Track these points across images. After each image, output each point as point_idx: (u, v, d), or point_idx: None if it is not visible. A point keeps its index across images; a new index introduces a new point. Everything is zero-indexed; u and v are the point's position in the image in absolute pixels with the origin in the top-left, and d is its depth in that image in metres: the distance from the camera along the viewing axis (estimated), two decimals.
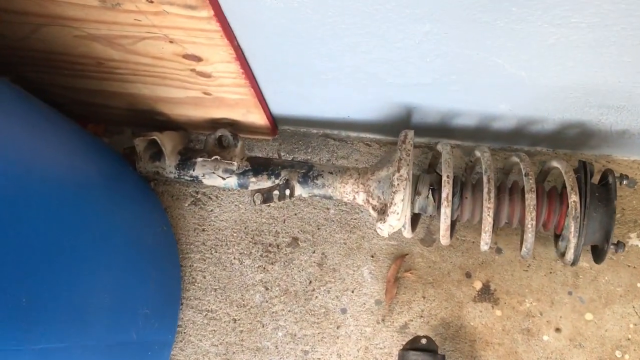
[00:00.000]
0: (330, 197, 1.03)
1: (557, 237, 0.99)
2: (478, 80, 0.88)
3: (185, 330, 1.09)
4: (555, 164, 0.96)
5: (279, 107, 1.09)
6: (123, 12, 0.79)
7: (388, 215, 0.93)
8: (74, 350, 0.72)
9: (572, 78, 0.83)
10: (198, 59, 0.89)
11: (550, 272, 1.04)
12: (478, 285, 1.06)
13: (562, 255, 0.96)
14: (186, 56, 0.88)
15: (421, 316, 1.05)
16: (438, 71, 0.87)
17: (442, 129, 1.07)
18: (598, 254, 0.96)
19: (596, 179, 0.98)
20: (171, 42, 0.85)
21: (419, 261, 1.08)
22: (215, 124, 1.12)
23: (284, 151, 1.17)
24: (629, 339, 1.00)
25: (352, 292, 1.08)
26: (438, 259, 1.08)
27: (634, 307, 1.01)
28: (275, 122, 1.15)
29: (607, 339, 1.01)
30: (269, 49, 0.88)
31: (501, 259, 1.06)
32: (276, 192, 1.03)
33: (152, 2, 0.75)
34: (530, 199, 0.91)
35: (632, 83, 0.82)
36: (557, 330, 1.02)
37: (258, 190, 1.05)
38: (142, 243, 1.00)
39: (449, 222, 0.94)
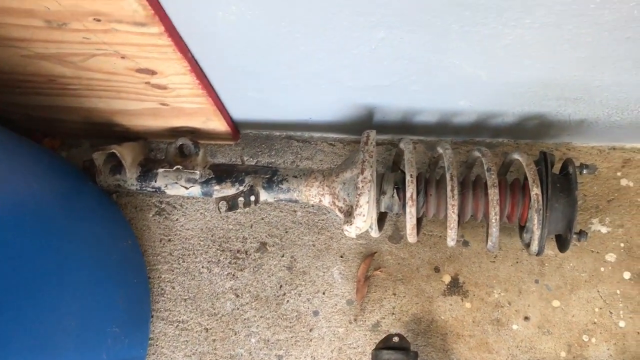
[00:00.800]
0: (296, 201, 1.03)
1: (522, 228, 1.00)
2: (437, 80, 0.88)
3: (157, 343, 1.08)
4: (516, 156, 0.97)
5: (239, 113, 1.08)
6: (71, 32, 0.76)
7: (354, 218, 0.93)
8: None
9: (529, 75, 0.84)
10: (152, 72, 0.87)
11: (517, 262, 1.06)
12: (447, 279, 1.07)
13: (528, 246, 0.98)
14: (140, 70, 0.86)
15: (393, 313, 1.06)
16: (397, 74, 0.86)
17: (405, 126, 1.07)
18: (562, 243, 0.98)
19: (557, 167, 0.99)
20: (123, 57, 0.83)
21: (388, 258, 1.08)
22: (175, 132, 1.10)
23: (248, 155, 1.15)
24: (595, 323, 1.03)
25: (323, 293, 1.08)
26: (407, 255, 1.08)
27: (598, 291, 1.04)
28: (237, 127, 1.14)
29: (574, 324, 1.03)
30: (225, 59, 0.86)
31: (468, 252, 1.07)
32: (241, 199, 1.02)
33: (99, 20, 0.73)
34: (493, 194, 0.91)
35: (588, 77, 0.83)
36: (526, 318, 1.04)
37: (222, 198, 1.04)
38: (107, 259, 0.98)
39: (414, 221, 0.94)
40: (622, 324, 1.02)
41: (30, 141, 1.00)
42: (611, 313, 1.03)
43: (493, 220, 0.92)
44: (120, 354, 0.96)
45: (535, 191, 0.91)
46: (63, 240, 0.87)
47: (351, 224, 0.94)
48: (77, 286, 0.84)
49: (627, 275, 1.04)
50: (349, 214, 0.96)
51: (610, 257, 1.05)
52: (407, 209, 0.93)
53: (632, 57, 0.76)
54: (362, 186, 0.92)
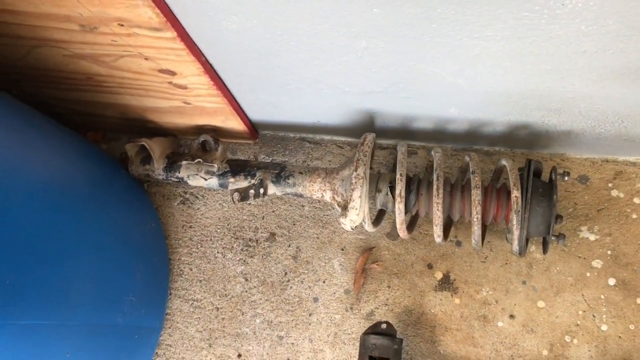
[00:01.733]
0: (301, 195, 1.13)
1: (508, 230, 1.07)
2: (424, 87, 0.96)
3: (173, 318, 1.20)
4: (503, 162, 1.03)
5: (256, 114, 1.20)
6: (101, 34, 0.90)
7: (349, 211, 1.03)
8: (57, 328, 0.83)
9: (505, 85, 0.91)
10: (172, 73, 1.00)
11: (506, 263, 1.12)
12: (439, 275, 1.14)
13: (512, 246, 1.04)
14: (162, 71, 0.99)
15: (386, 304, 1.14)
16: (386, 80, 0.96)
17: (405, 132, 1.15)
18: (544, 245, 1.04)
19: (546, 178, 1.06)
20: (146, 59, 0.96)
21: (385, 254, 1.17)
22: (199, 130, 1.23)
23: (264, 154, 1.27)
24: (577, 325, 1.07)
25: (324, 282, 1.17)
26: (402, 251, 1.16)
27: (583, 295, 1.08)
28: (255, 127, 1.26)
29: (558, 324, 1.08)
30: (234, 64, 0.98)
31: (460, 251, 1.14)
32: (252, 191, 1.13)
33: (123, 25, 0.86)
34: (475, 194, 0.99)
35: (559, 88, 0.90)
36: (511, 316, 1.10)
37: (236, 190, 1.16)
38: (130, 237, 1.12)
39: (402, 216, 1.02)
40: (604, 327, 1.06)
41: (75, 133, 1.15)
42: (594, 316, 1.07)
43: (475, 219, 0.99)
44: (137, 321, 1.08)
45: (515, 193, 0.98)
46: (88, 217, 1.00)
47: (346, 217, 1.03)
48: (97, 255, 0.98)
49: (612, 281, 1.08)
50: (344, 207, 1.05)
51: (597, 263, 1.09)
52: (396, 205, 1.02)
53: (594, 70, 0.83)
54: (355, 182, 1.01)
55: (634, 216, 1.10)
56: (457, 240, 1.15)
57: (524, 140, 1.12)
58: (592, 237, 1.11)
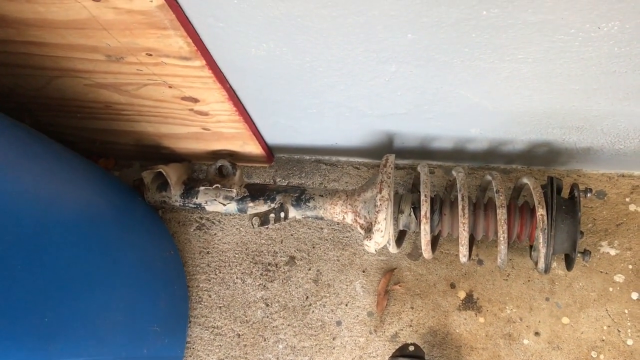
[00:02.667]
0: (321, 218, 1.13)
1: (532, 247, 1.07)
2: (448, 109, 0.97)
3: (194, 346, 1.18)
4: (525, 180, 1.04)
5: (273, 138, 1.19)
6: (127, 64, 0.89)
7: (373, 233, 1.02)
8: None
9: (530, 105, 0.92)
10: (195, 100, 0.99)
11: (529, 281, 1.13)
12: (462, 294, 1.14)
13: (536, 264, 1.04)
14: (185, 98, 0.99)
15: (410, 325, 1.14)
16: (411, 103, 0.96)
17: (423, 152, 1.16)
18: (568, 262, 1.05)
19: (567, 193, 1.07)
20: (170, 87, 0.95)
21: (407, 274, 1.17)
22: (215, 154, 1.22)
23: (280, 177, 1.26)
24: (603, 340, 1.08)
25: (346, 305, 1.17)
26: (424, 271, 1.16)
27: (607, 310, 1.09)
28: (271, 151, 1.25)
29: (583, 340, 1.08)
30: (258, 89, 0.98)
31: (482, 270, 1.15)
32: (272, 215, 1.13)
33: (151, 55, 0.85)
34: (501, 213, 0.99)
35: (585, 107, 0.91)
36: (537, 334, 1.10)
37: (256, 214, 1.15)
38: (152, 266, 1.10)
39: (428, 237, 1.03)
40: (630, 342, 1.07)
41: (89, 161, 1.14)
42: (619, 331, 1.08)
43: (501, 238, 1.00)
44: (160, 351, 1.06)
45: (540, 212, 0.98)
46: (114, 247, 0.99)
47: (370, 239, 1.03)
48: (125, 287, 0.96)
49: (635, 295, 1.09)
50: (368, 230, 1.05)
51: (619, 277, 1.10)
52: (422, 226, 1.02)
53: (621, 89, 0.84)
54: (380, 204, 1.01)
55: None
56: (478, 258, 1.15)
57: (542, 158, 1.13)
58: (613, 252, 1.12)
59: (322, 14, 0.74)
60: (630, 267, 1.10)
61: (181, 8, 0.75)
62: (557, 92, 0.88)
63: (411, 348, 1.07)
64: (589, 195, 1.02)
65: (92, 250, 0.89)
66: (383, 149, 1.15)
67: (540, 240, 0.98)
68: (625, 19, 0.68)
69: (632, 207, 1.13)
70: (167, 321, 1.10)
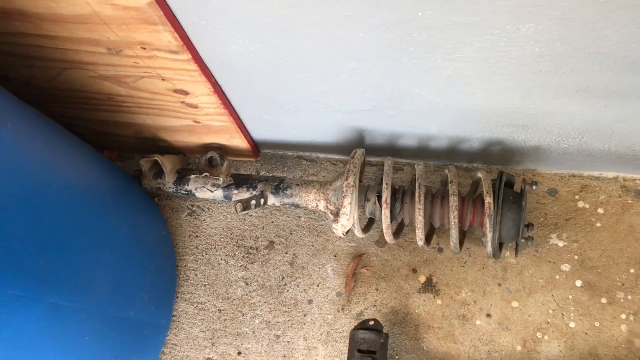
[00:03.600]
0: (297, 205, 1.25)
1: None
2: (406, 106, 1.10)
3: (179, 319, 1.30)
4: (479, 174, 1.16)
5: (258, 133, 1.33)
6: (125, 57, 1.03)
7: (340, 217, 1.15)
8: (79, 312, 0.94)
9: (477, 102, 1.05)
10: (185, 93, 1.13)
11: (483, 268, 1.24)
12: (422, 279, 1.25)
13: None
14: (176, 91, 1.13)
15: (374, 305, 1.25)
16: (372, 99, 1.09)
17: (391, 149, 1.28)
18: (516, 248, 1.16)
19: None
20: (163, 79, 1.09)
21: (374, 259, 1.28)
22: (207, 147, 1.35)
23: (265, 170, 1.39)
24: (548, 323, 1.18)
25: (318, 286, 1.28)
26: (390, 257, 1.28)
27: (552, 295, 1.19)
28: (257, 146, 1.39)
29: (530, 322, 1.19)
30: (240, 84, 1.11)
31: (442, 257, 1.26)
32: (253, 202, 1.25)
33: (145, 49, 0.99)
34: (453, 200, 1.11)
35: (524, 105, 1.03)
36: (488, 315, 1.20)
37: (239, 200, 1.27)
38: (143, 241, 1.23)
39: (389, 221, 1.14)
40: (572, 324, 1.17)
41: (96, 151, 1.28)
42: (563, 315, 1.18)
43: (452, 224, 1.11)
44: (146, 318, 1.19)
45: (488, 200, 1.10)
46: (110, 217, 1.12)
47: (337, 222, 1.15)
48: (116, 252, 1.09)
49: (579, 283, 1.19)
50: (336, 214, 1.17)
51: (565, 267, 1.21)
52: (382, 211, 1.14)
53: (551, 87, 0.96)
54: (346, 190, 1.14)
55: (598, 225, 1.22)
56: (439, 247, 1.27)
57: (498, 157, 1.25)
58: (561, 244, 1.22)
59: (286, 14, 0.87)
60: (575, 257, 1.21)
61: (168, 5, 0.88)
62: (497, 90, 1.00)
63: (371, 322, 1.18)
64: (534, 187, 1.13)
65: (87, 215, 1.02)
66: (356, 146, 1.27)
67: (487, 225, 1.10)
68: (538, 21, 0.80)
69: (580, 204, 1.25)
70: (155, 292, 1.23)
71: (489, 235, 1.10)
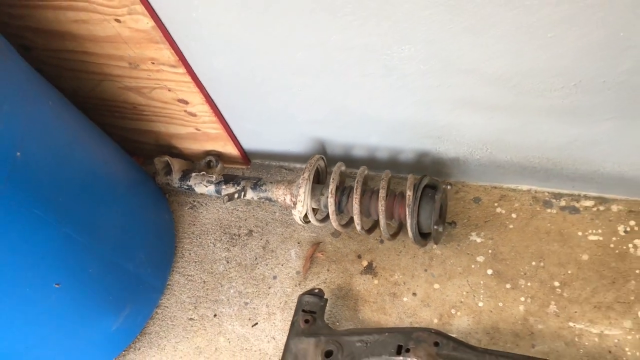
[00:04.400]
0: (270, 199, 1.58)
1: None
2: (346, 117, 1.42)
3: (172, 287, 1.62)
4: (409, 177, 1.46)
5: (246, 142, 1.68)
6: (141, 70, 1.42)
7: (296, 204, 1.47)
8: (87, 248, 1.28)
9: (398, 114, 1.36)
10: (186, 102, 1.50)
11: (414, 256, 1.51)
12: (365, 263, 1.53)
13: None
14: (179, 100, 1.50)
15: (324, 282, 1.53)
16: (321, 111, 1.43)
17: (347, 159, 1.59)
18: (435, 236, 1.43)
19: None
20: (169, 90, 1.47)
21: (329, 247, 1.57)
22: (207, 154, 1.72)
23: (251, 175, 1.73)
24: (461, 302, 1.42)
25: (282, 265, 1.58)
26: (341, 245, 1.57)
27: (467, 281, 1.44)
28: (248, 155, 1.74)
29: (447, 301, 1.43)
30: (225, 95, 1.48)
31: (382, 247, 1.54)
32: (236, 194, 1.59)
33: (154, 63, 1.38)
34: (381, 193, 1.40)
35: (432, 117, 1.34)
36: (414, 294, 1.46)
37: (227, 194, 1.62)
38: (149, 217, 1.58)
39: (334, 208, 1.45)
40: (480, 304, 1.41)
41: (124, 151, 1.66)
42: (474, 296, 1.42)
43: (380, 212, 1.41)
44: (143, 275, 1.51)
45: (408, 193, 1.39)
46: (125, 196, 1.48)
47: (295, 208, 1.47)
48: (125, 213, 1.44)
49: (490, 271, 1.44)
50: (295, 203, 1.49)
51: (480, 258, 1.46)
52: (329, 199, 1.45)
53: (445, 101, 1.27)
54: (302, 182, 1.46)
55: (511, 226, 1.48)
56: (380, 239, 1.55)
57: (431, 168, 1.54)
58: (479, 240, 1.48)
59: (244, 34, 1.23)
60: (490, 251, 1.46)
61: (166, 28, 1.27)
62: (408, 103, 1.31)
63: (316, 290, 1.46)
64: (449, 187, 1.42)
65: (108, 181, 1.39)
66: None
67: (407, 214, 1.38)
68: (413, 43, 1.13)
69: (498, 210, 1.51)
70: (154, 258, 1.56)
71: (409, 221, 1.39)
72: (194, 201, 1.75)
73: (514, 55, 1.07)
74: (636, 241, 1.38)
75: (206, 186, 1.64)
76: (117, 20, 1.25)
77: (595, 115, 1.17)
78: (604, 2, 0.91)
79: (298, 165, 1.72)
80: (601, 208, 1.44)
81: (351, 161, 1.61)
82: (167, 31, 1.28)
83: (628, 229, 1.40)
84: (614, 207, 1.43)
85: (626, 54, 1.00)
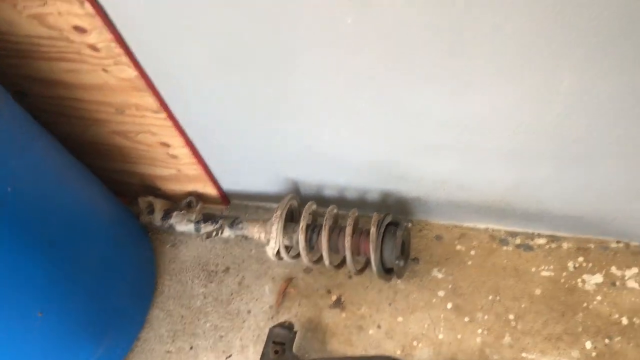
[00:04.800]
0: (246, 236, 1.68)
1: None
2: (317, 159, 1.54)
3: (151, 321, 1.70)
4: (374, 215, 1.56)
5: (225, 183, 1.79)
6: (127, 116, 1.54)
7: (269, 241, 1.57)
8: (70, 281, 1.37)
9: (362, 157, 1.48)
10: (168, 145, 1.62)
11: (380, 291, 1.59)
12: (334, 297, 1.62)
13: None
14: (162, 143, 1.62)
15: (295, 316, 1.61)
16: (294, 153, 1.54)
17: (319, 199, 1.70)
18: (397, 270, 1.52)
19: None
20: (153, 134, 1.59)
21: (300, 282, 1.66)
22: (189, 194, 1.82)
23: None
24: (423, 334, 1.51)
25: (256, 300, 1.67)
26: (312, 281, 1.66)
27: (429, 314, 1.53)
28: (227, 196, 1.84)
29: (409, 333, 1.52)
30: (203, 138, 1.59)
31: (351, 282, 1.63)
32: (214, 232, 1.69)
33: (138, 109, 1.50)
34: (348, 230, 1.51)
35: (391, 158, 1.45)
36: (379, 327, 1.54)
37: (205, 232, 1.72)
38: (130, 256, 1.67)
39: (304, 244, 1.54)
40: (440, 336, 1.49)
41: (109, 192, 1.77)
42: (435, 329, 1.51)
43: (346, 246, 1.50)
44: (124, 309, 1.60)
45: (372, 230, 1.49)
46: (108, 233, 1.58)
47: (268, 245, 1.57)
48: (107, 252, 1.54)
49: (449, 305, 1.53)
50: (268, 240, 1.59)
51: (441, 293, 1.55)
52: (299, 236, 1.55)
53: (404, 143, 1.38)
54: (274, 219, 1.56)
55: (470, 263, 1.58)
56: (349, 274, 1.64)
57: (396, 208, 1.65)
58: (440, 276, 1.58)
59: (218, 82, 1.36)
60: (450, 286, 1.56)
61: (149, 77, 1.40)
62: (371, 146, 1.43)
63: (286, 323, 1.54)
64: (410, 225, 1.52)
65: (90, 222, 1.49)
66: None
67: (371, 249, 1.48)
68: (371, 89, 1.25)
69: (458, 247, 1.61)
70: (134, 291, 1.65)
71: (372, 256, 1.49)
72: (174, 239, 1.85)
73: (457, 101, 1.19)
74: (584, 276, 1.47)
75: (186, 225, 1.74)
76: (105, 70, 1.37)
77: (537, 158, 1.29)
78: (528, 58, 1.04)
79: (274, 205, 1.81)
80: (553, 246, 1.54)
81: (323, 200, 1.71)
82: (150, 80, 1.40)
83: (577, 265, 1.50)
84: (565, 245, 1.54)
85: (555, 99, 1.12)
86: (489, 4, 0.96)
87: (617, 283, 1.45)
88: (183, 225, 1.74)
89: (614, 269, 1.47)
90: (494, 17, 0.98)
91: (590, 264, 1.49)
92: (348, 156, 1.49)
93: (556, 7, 0.93)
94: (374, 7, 1.02)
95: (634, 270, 1.46)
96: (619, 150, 1.18)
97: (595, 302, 1.43)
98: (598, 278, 1.47)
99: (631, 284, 1.44)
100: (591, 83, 1.05)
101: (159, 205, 1.79)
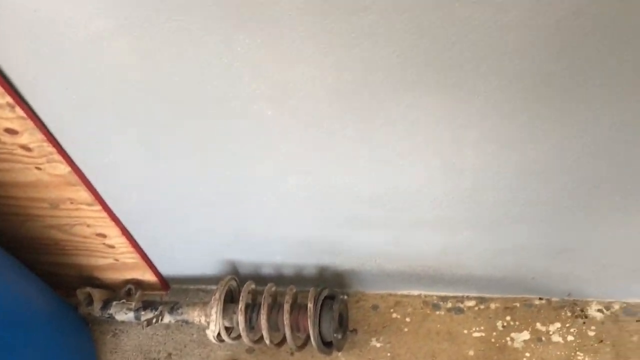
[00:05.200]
0: (186, 321, 1.69)
1: None
2: (251, 239, 1.59)
3: None
4: (310, 290, 1.61)
5: (164, 268, 1.81)
6: (61, 210, 1.56)
7: (209, 323, 1.59)
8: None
9: (294, 234, 1.54)
10: (104, 236, 1.64)
11: None
12: None
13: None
14: (98, 234, 1.64)
15: None
16: (229, 235, 1.59)
17: (258, 278, 1.74)
18: (335, 343, 1.56)
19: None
20: (88, 226, 1.61)
21: None
22: (128, 282, 1.83)
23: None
24: None
25: None
26: None
27: None
28: (167, 281, 1.86)
29: None
30: (139, 225, 1.63)
31: (293, 359, 1.66)
32: (154, 320, 1.70)
33: (72, 203, 1.53)
34: (285, 307, 1.55)
35: (322, 234, 1.52)
36: None
37: (145, 319, 1.72)
38: (72, 351, 1.66)
39: (244, 324, 1.57)
40: None
41: (46, 286, 1.76)
42: None
43: (286, 324, 1.54)
44: None
45: (309, 305, 1.54)
46: (50, 328, 1.57)
47: (208, 328, 1.59)
48: (45, 346, 1.52)
49: None
50: (208, 323, 1.61)
51: None
52: (239, 317, 1.58)
53: (332, 219, 1.46)
54: (213, 302, 1.59)
55: (406, 329, 1.63)
56: (291, 351, 1.67)
57: (331, 280, 1.71)
58: (378, 345, 1.63)
59: (150, 172, 1.41)
60: (388, 354, 1.60)
61: (82, 172, 1.43)
62: (301, 224, 1.50)
63: None
64: (345, 297, 1.58)
65: (26, 316, 1.48)
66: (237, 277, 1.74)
67: (309, 324, 1.53)
68: (295, 173, 1.33)
69: (394, 315, 1.67)
70: None
71: (311, 331, 1.53)
72: (115, 329, 1.84)
73: (377, 179, 1.28)
74: (512, 334, 1.56)
75: (126, 313, 1.74)
76: (38, 168, 1.41)
77: (455, 226, 1.39)
78: (432, 139, 1.14)
79: (215, 287, 1.84)
80: (482, 307, 1.63)
81: (262, 279, 1.75)
82: (83, 174, 1.44)
83: (505, 323, 1.58)
84: (492, 305, 1.62)
85: (463, 175, 1.23)
86: (392, 91, 1.06)
87: (543, 338, 1.54)
88: (123, 314, 1.74)
89: (539, 325, 1.56)
90: (397, 105, 1.08)
91: (517, 322, 1.58)
92: (282, 235, 1.55)
93: (460, 93, 1.05)
94: (289, 101, 1.11)
95: (557, 325, 1.55)
96: (525, 217, 1.29)
97: (524, 359, 1.51)
98: (525, 335, 1.55)
99: (555, 338, 1.53)
100: (491, 157, 1.16)
101: (97, 295, 1.79)
